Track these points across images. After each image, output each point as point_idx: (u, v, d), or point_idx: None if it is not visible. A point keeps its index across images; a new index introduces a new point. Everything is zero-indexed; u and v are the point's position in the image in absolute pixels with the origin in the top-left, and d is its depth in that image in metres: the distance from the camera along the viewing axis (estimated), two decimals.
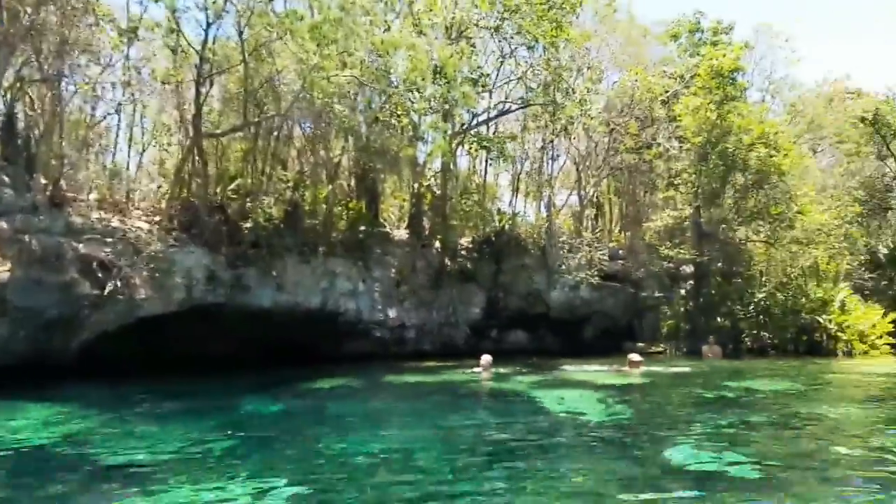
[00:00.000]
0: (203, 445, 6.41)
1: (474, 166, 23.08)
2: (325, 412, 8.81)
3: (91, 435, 6.96)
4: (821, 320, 19.66)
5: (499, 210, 22.30)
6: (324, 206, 16.28)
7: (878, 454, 5.84)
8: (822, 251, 23.30)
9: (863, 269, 26.72)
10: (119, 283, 11.36)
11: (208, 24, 12.97)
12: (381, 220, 18.03)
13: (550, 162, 24.66)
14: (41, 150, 11.70)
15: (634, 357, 13.68)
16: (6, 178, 10.78)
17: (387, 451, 6.17)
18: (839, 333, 19.61)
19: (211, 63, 13.74)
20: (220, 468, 5.48)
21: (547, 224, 21.73)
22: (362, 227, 16.55)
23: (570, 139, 24.37)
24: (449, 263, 17.90)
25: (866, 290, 24.71)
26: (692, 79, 22.80)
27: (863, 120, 28.42)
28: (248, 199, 14.63)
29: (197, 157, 13.73)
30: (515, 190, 23.41)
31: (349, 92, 15.75)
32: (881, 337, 20.14)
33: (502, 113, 21.34)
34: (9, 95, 11.58)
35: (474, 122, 19.76)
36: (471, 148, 19.63)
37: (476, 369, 12.64)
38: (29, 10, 11.36)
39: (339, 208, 16.99)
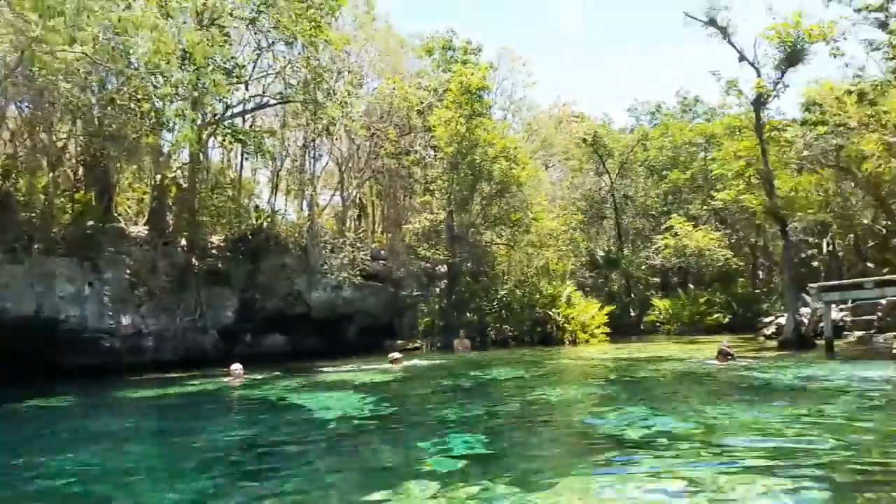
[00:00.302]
0: None
1: (228, 160, 22.29)
2: (32, 433, 7.86)
3: None
4: (551, 313, 22.92)
5: (256, 207, 21.87)
6: (42, 196, 14.34)
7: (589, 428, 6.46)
8: (552, 253, 27.23)
9: (584, 268, 31.91)
10: None
11: None
12: (115, 215, 16.43)
13: (313, 161, 24.92)
14: None
15: (395, 355, 14.58)
16: None
17: (105, 470, 5.74)
18: (566, 325, 23.09)
19: None
20: None
21: (309, 223, 21.91)
22: (91, 222, 14.91)
23: (332, 140, 24.90)
24: (197, 263, 16.99)
25: (587, 286, 29.59)
26: (444, 93, 24.92)
27: (584, 141, 33.89)
28: None
29: None
30: (275, 187, 23.15)
31: (79, 70, 14.13)
32: (599, 327, 24.24)
33: (259, 107, 20.99)
34: None
35: (228, 113, 19.09)
36: (224, 140, 18.91)
37: (226, 379, 12.31)
38: None
39: (63, 200, 15.10)
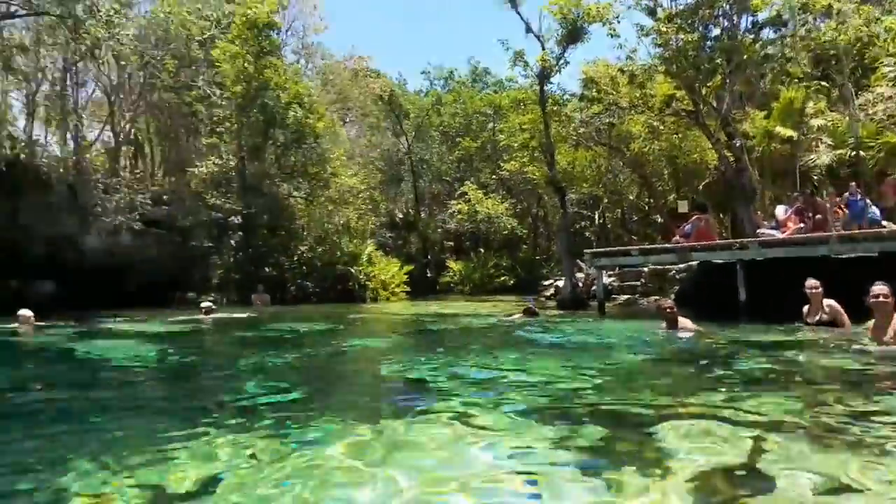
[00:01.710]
0: None
1: None
2: None
3: None
4: (353, 271, 24.66)
5: (9, 135, 20.03)
6: None
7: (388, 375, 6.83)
8: (352, 211, 28.94)
9: (384, 229, 34.27)
10: None
11: None
12: None
13: (76, 87, 23.35)
14: None
15: (207, 304, 14.80)
16: None
17: None
18: (367, 283, 25.06)
19: None
20: None
21: (75, 157, 20.70)
22: None
23: (98, 65, 23.43)
24: None
25: (387, 246, 31.98)
26: (228, 26, 24.86)
27: (381, 98, 35.95)
28: None
29: None
30: (31, 114, 21.30)
31: None
32: (399, 286, 26.69)
33: (5, 16, 19.30)
34: None
35: None
36: None
37: (13, 325, 11.64)
38: None
39: None
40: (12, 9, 19.90)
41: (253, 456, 3.50)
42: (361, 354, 9.26)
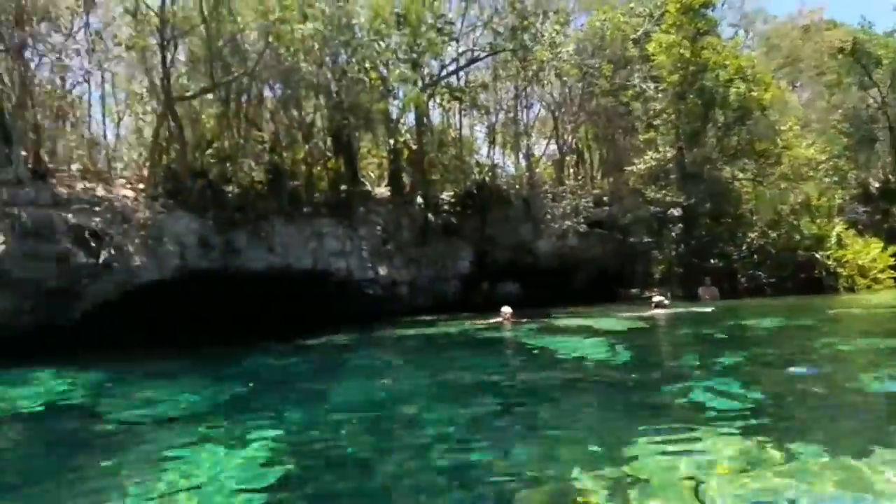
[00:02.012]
0: (211, 398, 7.41)
1: (448, 119, 24.62)
2: (335, 366, 10.14)
3: (101, 396, 8.02)
4: (818, 256, 21.77)
5: (477, 162, 23.96)
6: (303, 166, 17.70)
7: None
8: (812, 187, 25.58)
9: (855, 202, 29.33)
10: (113, 252, 12.66)
11: None
12: (361, 179, 19.52)
13: (525, 111, 26.44)
14: (16, 124, 12.78)
15: (659, 299, 15.02)
16: None
17: (399, 394, 7.27)
18: (839, 269, 21.77)
19: (172, 25, 14.90)
20: (229, 416, 6.36)
21: (527, 174, 23.52)
22: (343, 187, 18.04)
23: (542, 86, 26.10)
24: (433, 219, 19.60)
25: (860, 224, 27.25)
26: (662, 16, 24.58)
27: (841, 50, 30.84)
28: (227, 164, 15.94)
29: (172, 123, 14.96)
30: (492, 141, 25.07)
31: (314, 47, 17.08)
32: (883, 271, 22.42)
33: (471, 62, 22.92)
34: None
35: (444, 73, 21.31)
36: (442, 100, 21.19)
37: (495, 320, 13.93)
38: None
39: (318, 168, 18.41)
40: (475, 54, 23.68)
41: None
42: (840, 358, 8.33)
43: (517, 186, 23.36)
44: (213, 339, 13.09)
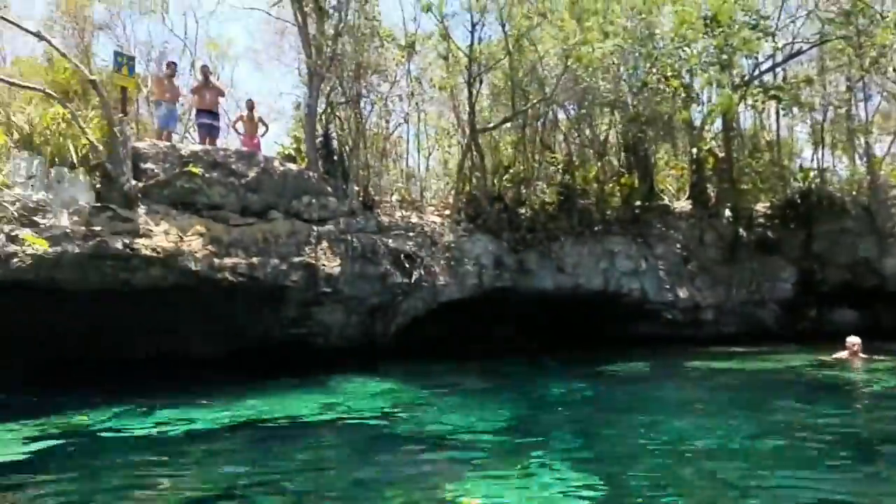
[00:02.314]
0: (511, 422, 7.63)
1: (761, 122, 22.43)
2: (635, 396, 9.64)
3: (413, 406, 8.85)
4: None
5: (801, 167, 21.26)
6: (595, 184, 17.76)
7: None
8: None
9: None
10: (423, 273, 14.26)
11: (473, 26, 15.57)
12: (658, 193, 18.80)
13: (862, 104, 22.63)
14: (352, 163, 15.23)
15: None
16: (329, 189, 14.31)
17: (711, 437, 6.42)
18: None
19: (478, 63, 16.24)
20: (531, 445, 6.37)
21: (867, 177, 20.07)
22: (638, 203, 17.61)
23: (883, 73, 22.05)
24: (744, 234, 17.98)
25: None
26: None
27: None
28: (522, 186, 16.80)
29: (475, 153, 16.34)
30: (819, 143, 21.97)
31: (612, 63, 17.03)
32: None
33: (791, 56, 20.48)
34: (323, 119, 15.33)
35: (756, 72, 19.40)
36: (755, 101, 19.29)
37: (837, 355, 11.90)
38: (329, 42, 14.91)
39: (611, 185, 18.28)
40: (796, 47, 21.19)
41: None
42: None
43: (854, 193, 20.11)
44: (502, 353, 13.92)
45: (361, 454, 6.32)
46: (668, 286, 16.83)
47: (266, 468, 5.71)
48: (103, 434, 7.11)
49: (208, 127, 13.75)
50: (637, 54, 17.09)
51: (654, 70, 17.69)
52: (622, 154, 19.21)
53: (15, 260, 8.76)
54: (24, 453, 6.18)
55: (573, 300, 16.07)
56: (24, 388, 9.67)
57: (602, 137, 19.05)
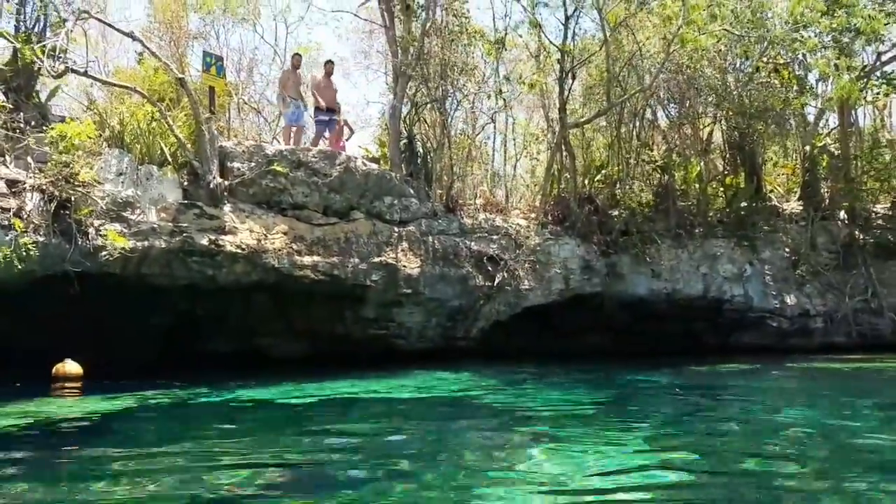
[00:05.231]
0: (596, 405, 7.89)
1: (882, 118, 20.59)
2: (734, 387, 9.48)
3: (494, 390, 9.28)
4: None
5: None
6: (696, 185, 16.71)
7: None
8: None
9: None
10: (506, 276, 13.84)
11: (567, 18, 15.03)
12: (765, 193, 17.50)
13: None
14: (435, 165, 15.04)
15: None
16: (411, 191, 14.17)
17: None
18: None
19: (572, 56, 15.61)
20: (615, 423, 6.63)
21: None
22: (743, 203, 16.44)
23: None
24: (860, 236, 16.44)
25: None
26: None
27: None
28: (615, 187, 16.03)
29: (564, 152, 15.74)
30: None
31: (719, 51, 15.96)
32: None
33: None
34: (408, 120, 15.21)
35: (878, 62, 17.68)
36: (878, 93, 17.59)
37: None
38: (416, 41, 14.79)
39: (714, 186, 17.17)
40: None
41: None
42: None
43: None
44: (596, 363, 13.27)
45: (443, 423, 6.97)
46: (774, 292, 15.60)
47: (353, 437, 6.09)
48: (206, 402, 8.13)
49: (326, 123, 13.97)
50: (747, 39, 15.78)
51: (766, 59, 16.43)
52: (727, 152, 18.01)
53: (103, 254, 9.09)
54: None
55: (670, 307, 15.12)
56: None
57: (705, 135, 17.95)
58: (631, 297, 14.98)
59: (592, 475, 4.37)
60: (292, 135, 13.52)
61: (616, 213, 15.51)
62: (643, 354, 14.50)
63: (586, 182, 16.36)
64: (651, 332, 15.49)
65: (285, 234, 11.67)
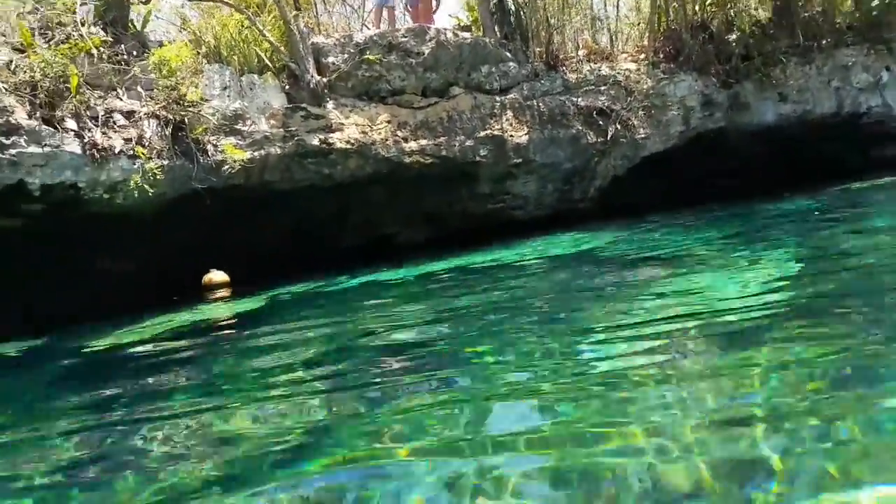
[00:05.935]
0: (728, 238, 7.99)
1: None
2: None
3: (618, 241, 9.37)
4: None
5: None
6: None
7: None
8: None
9: None
10: (619, 127, 13.21)
11: None
12: None
13: None
14: (530, 21, 14.15)
15: None
16: (508, 54, 13.53)
17: None
18: None
19: None
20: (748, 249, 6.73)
21: None
22: (875, 2, 14.46)
23: None
24: None
25: None
26: None
27: None
28: (729, 7, 14.54)
29: None
30: None
31: None
32: None
33: None
34: None
35: None
36: None
37: None
38: None
39: None
40: None
41: None
42: None
43: None
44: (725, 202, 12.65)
45: (573, 271, 7.64)
46: None
47: (481, 296, 6.63)
48: (345, 288, 8.94)
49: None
50: None
51: None
52: None
53: (225, 167, 9.45)
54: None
55: (801, 131, 13.95)
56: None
57: None
58: (757, 127, 13.93)
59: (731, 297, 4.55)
60: (385, 16, 13.14)
61: (733, 36, 14.16)
62: (779, 187, 13.61)
63: (697, 8, 14.93)
64: (782, 163, 14.47)
65: (389, 122, 11.61)
